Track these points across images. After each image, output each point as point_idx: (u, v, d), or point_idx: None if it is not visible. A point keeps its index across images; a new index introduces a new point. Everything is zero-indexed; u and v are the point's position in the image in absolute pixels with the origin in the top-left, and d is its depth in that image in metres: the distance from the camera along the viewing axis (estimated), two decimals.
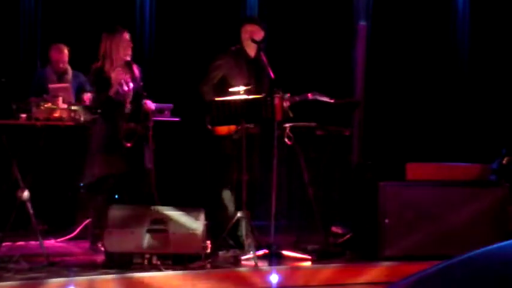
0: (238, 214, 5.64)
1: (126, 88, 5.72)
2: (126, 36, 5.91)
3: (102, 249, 5.57)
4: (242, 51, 6.08)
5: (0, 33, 7.70)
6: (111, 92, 5.73)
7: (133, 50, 7.03)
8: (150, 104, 5.90)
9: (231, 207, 5.97)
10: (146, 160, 5.89)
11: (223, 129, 5.95)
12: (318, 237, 6.10)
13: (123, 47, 5.86)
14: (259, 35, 6.05)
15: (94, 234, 5.92)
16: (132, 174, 5.88)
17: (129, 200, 5.93)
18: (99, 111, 5.86)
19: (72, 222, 6.89)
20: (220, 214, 5.99)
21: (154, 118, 6.65)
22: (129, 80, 5.84)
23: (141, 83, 5.93)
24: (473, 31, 8.80)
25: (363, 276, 5.56)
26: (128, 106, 5.78)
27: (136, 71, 5.96)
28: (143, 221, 5.37)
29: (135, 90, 5.85)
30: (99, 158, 5.81)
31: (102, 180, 5.86)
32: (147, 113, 5.87)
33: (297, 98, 6.01)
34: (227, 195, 6.01)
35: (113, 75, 5.75)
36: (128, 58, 5.90)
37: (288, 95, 5.83)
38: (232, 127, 5.91)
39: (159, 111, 6.91)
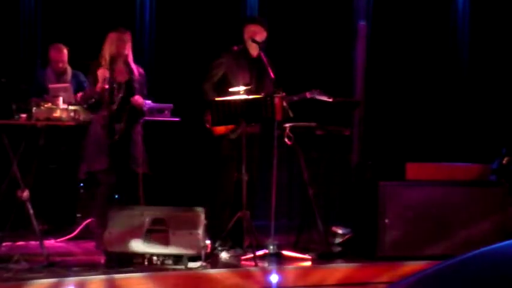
0: (238, 214, 5.64)
1: (107, 86, 5.78)
2: (119, 35, 5.96)
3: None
4: (244, 51, 6.09)
5: (0, 33, 7.70)
6: (97, 88, 5.82)
7: (134, 50, 7.03)
8: (139, 98, 5.92)
9: (230, 207, 5.97)
10: (137, 163, 5.93)
11: (221, 129, 5.96)
12: (318, 237, 6.09)
13: (114, 45, 5.91)
14: (262, 35, 6.06)
15: (98, 234, 5.90)
16: (119, 173, 5.93)
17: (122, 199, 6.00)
18: (85, 106, 5.95)
19: (72, 222, 6.89)
20: (219, 214, 5.99)
21: (154, 118, 6.67)
22: (121, 79, 5.89)
23: (137, 86, 5.95)
24: (473, 31, 8.80)
25: (363, 276, 5.56)
26: (114, 105, 5.83)
27: (135, 72, 5.99)
28: (143, 221, 5.37)
29: (129, 90, 5.89)
30: (88, 155, 5.89)
31: (97, 178, 5.91)
32: (136, 110, 5.91)
33: (295, 98, 6.01)
34: (226, 195, 6.02)
35: (99, 72, 5.84)
36: (122, 57, 5.93)
37: (284, 94, 5.80)
38: (230, 127, 5.92)
39: (159, 111, 6.92)
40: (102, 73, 5.84)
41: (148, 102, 6.82)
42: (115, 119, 5.86)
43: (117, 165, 5.90)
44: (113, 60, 5.92)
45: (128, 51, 5.99)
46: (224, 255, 5.76)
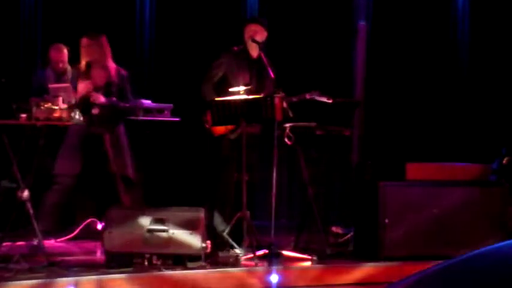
0: (238, 214, 5.65)
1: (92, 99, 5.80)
2: (88, 40, 6.04)
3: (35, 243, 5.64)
4: (244, 52, 6.09)
5: (0, 33, 7.70)
6: (76, 97, 5.83)
7: (134, 50, 7.07)
8: (97, 96, 5.89)
9: (230, 207, 5.97)
10: (124, 166, 5.95)
11: (220, 130, 5.96)
12: (318, 237, 6.10)
13: (86, 51, 5.96)
14: (262, 35, 6.07)
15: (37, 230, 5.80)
16: (97, 177, 5.96)
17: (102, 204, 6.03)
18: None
19: (72, 222, 6.89)
20: (219, 214, 6.00)
21: (154, 118, 6.67)
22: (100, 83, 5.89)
23: (114, 89, 5.96)
24: (473, 31, 8.80)
25: (362, 276, 5.56)
26: (96, 110, 5.82)
27: (113, 75, 5.99)
28: (143, 221, 5.37)
29: (108, 94, 5.90)
30: (61, 156, 5.90)
31: (59, 178, 5.93)
32: (117, 111, 5.92)
33: (295, 99, 6.01)
34: (226, 195, 6.02)
35: (80, 86, 5.83)
36: (98, 61, 5.94)
37: (284, 95, 5.80)
38: (230, 127, 5.92)
39: (159, 111, 6.92)
40: (84, 88, 5.84)
41: (148, 102, 6.83)
42: (95, 123, 5.83)
43: (96, 169, 5.93)
44: (90, 65, 5.95)
45: (103, 55, 5.99)
46: (224, 255, 5.76)
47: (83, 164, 5.99)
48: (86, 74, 5.94)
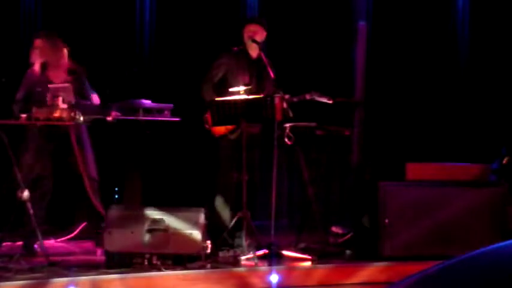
0: (238, 214, 5.64)
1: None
2: (40, 41, 6.01)
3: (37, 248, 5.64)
4: (244, 52, 6.09)
5: (0, 33, 7.70)
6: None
7: (134, 50, 7.03)
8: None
9: (229, 207, 5.97)
10: (86, 166, 5.95)
11: (220, 130, 5.96)
12: (318, 237, 6.09)
13: (39, 52, 5.99)
14: (262, 35, 6.07)
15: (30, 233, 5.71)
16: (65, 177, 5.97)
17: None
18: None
19: (72, 222, 6.89)
20: (219, 214, 6.00)
21: (154, 118, 6.65)
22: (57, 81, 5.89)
23: (74, 86, 5.96)
24: (473, 31, 8.80)
25: (362, 276, 5.57)
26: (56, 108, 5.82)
27: (68, 73, 6.00)
28: (143, 221, 5.37)
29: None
30: (26, 159, 5.90)
31: (40, 181, 5.92)
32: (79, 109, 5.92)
33: (295, 99, 6.01)
34: (226, 195, 6.02)
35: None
36: (53, 61, 5.94)
37: (284, 95, 5.80)
38: (229, 127, 5.92)
39: (158, 111, 6.91)
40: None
41: (148, 102, 6.81)
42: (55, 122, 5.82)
43: (62, 170, 5.93)
44: (45, 65, 5.96)
45: (57, 55, 5.98)
46: (224, 255, 5.76)
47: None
48: (42, 75, 5.92)
